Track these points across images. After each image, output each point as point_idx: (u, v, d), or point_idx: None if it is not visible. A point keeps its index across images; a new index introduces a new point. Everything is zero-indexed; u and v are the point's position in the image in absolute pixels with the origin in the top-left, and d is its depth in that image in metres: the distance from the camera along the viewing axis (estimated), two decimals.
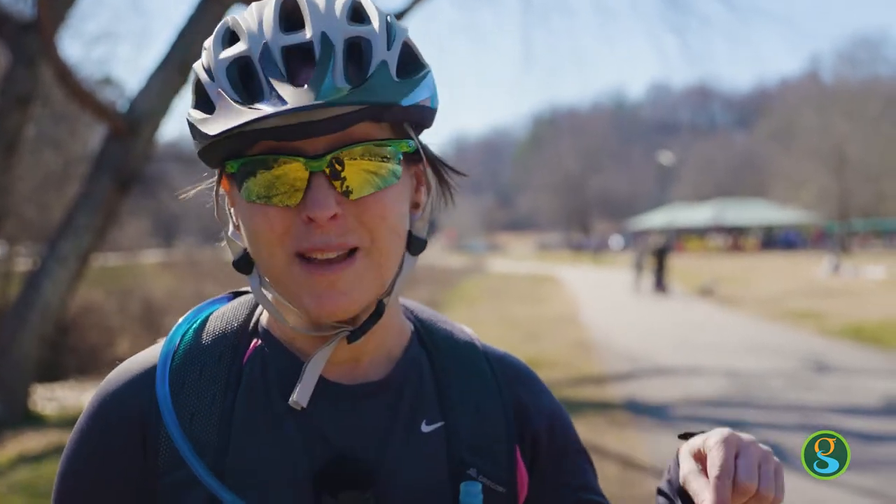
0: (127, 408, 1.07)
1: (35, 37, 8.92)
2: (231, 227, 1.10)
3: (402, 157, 1.04)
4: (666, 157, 68.75)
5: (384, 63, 0.99)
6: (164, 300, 17.97)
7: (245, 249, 1.07)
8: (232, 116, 0.95)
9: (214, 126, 0.97)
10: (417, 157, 1.09)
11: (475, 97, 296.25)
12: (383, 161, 1.01)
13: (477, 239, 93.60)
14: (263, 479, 1.04)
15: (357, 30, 1.00)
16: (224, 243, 1.11)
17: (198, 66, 1.03)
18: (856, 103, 58.02)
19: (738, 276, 29.67)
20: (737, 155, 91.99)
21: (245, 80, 0.98)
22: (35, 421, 8.90)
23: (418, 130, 1.09)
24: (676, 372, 11.08)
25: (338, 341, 1.06)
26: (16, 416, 8.80)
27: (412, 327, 1.20)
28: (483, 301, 24.86)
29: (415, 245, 1.09)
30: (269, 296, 1.07)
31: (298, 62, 0.98)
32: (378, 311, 1.06)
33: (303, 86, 0.94)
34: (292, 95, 0.93)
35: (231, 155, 1.00)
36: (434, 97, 1.07)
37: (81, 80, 10.38)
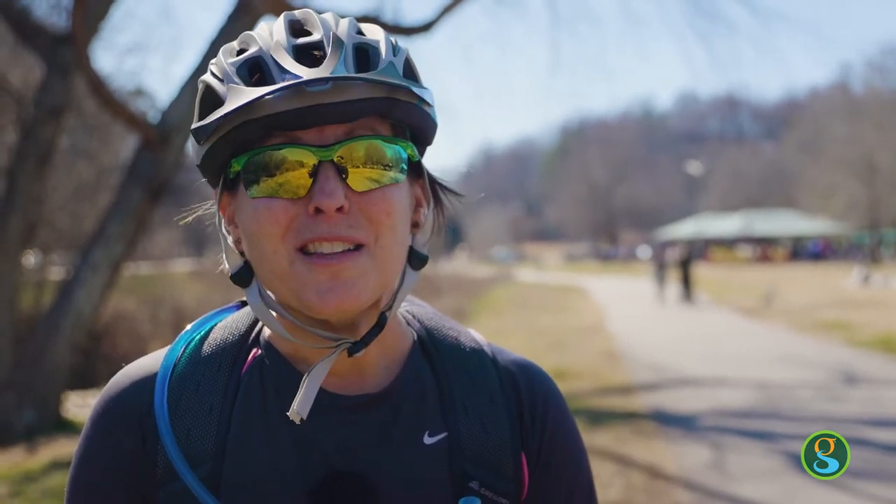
0: (127, 413, 1.08)
1: (69, 49, 9.05)
2: (231, 242, 1.08)
3: (405, 166, 1.04)
4: (694, 167, 68.46)
5: (391, 63, 1.01)
6: (195, 308, 18.06)
7: (245, 262, 1.06)
8: (242, 96, 0.96)
9: (224, 109, 0.97)
10: (419, 174, 1.10)
11: (503, 107, 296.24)
12: (386, 168, 1.01)
13: (504, 249, 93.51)
14: (258, 492, 1.03)
15: (363, 38, 1.02)
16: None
17: (207, 77, 1.04)
18: (885, 113, 57.47)
19: (766, 286, 29.44)
20: (765, 165, 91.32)
21: (255, 76, 0.99)
22: (67, 428, 8.99)
23: (421, 148, 1.09)
24: (704, 382, 11.03)
25: (339, 353, 1.05)
26: (49, 423, 8.90)
27: (415, 336, 1.18)
28: (509, 311, 24.84)
29: (416, 260, 1.09)
30: (269, 308, 1.06)
31: (309, 58, 0.99)
32: (380, 324, 1.06)
33: (315, 68, 0.96)
34: (306, 73, 0.95)
35: (236, 151, 1.00)
36: (434, 112, 1.07)
37: (114, 91, 10.51)
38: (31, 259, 15.60)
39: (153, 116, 11.25)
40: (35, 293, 14.82)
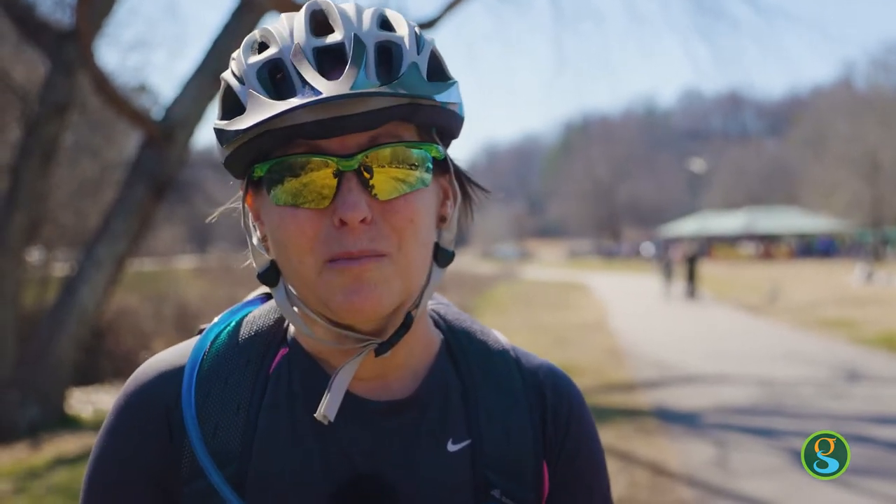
0: (154, 406, 1.06)
1: (73, 45, 9.06)
2: (256, 239, 1.07)
3: (431, 165, 1.02)
4: (697, 165, 68.35)
5: (414, 64, 0.98)
6: (199, 305, 18.07)
7: (271, 261, 1.05)
8: (264, 110, 0.93)
9: (245, 121, 0.95)
10: (445, 168, 1.08)
11: (506, 104, 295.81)
12: (412, 168, 0.99)
13: (507, 246, 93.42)
14: (282, 493, 1.03)
15: (386, 35, 0.99)
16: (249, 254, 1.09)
17: (227, 75, 1.02)
18: (889, 110, 57.40)
19: (770, 284, 29.45)
20: (768, 162, 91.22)
21: (276, 80, 0.97)
22: (71, 424, 9.01)
23: (446, 141, 1.07)
24: (706, 379, 11.04)
25: (366, 354, 1.03)
26: (53, 419, 8.93)
27: (441, 338, 1.17)
28: (513, 307, 24.84)
29: (442, 257, 1.08)
30: (296, 308, 1.05)
31: (330, 63, 0.96)
32: (406, 324, 1.04)
33: (336, 80, 0.93)
34: (326, 87, 0.92)
35: (259, 157, 0.98)
36: (461, 106, 1.05)
37: (118, 87, 10.52)
38: (34, 255, 15.61)
39: (157, 113, 11.23)
40: (38, 290, 14.82)
